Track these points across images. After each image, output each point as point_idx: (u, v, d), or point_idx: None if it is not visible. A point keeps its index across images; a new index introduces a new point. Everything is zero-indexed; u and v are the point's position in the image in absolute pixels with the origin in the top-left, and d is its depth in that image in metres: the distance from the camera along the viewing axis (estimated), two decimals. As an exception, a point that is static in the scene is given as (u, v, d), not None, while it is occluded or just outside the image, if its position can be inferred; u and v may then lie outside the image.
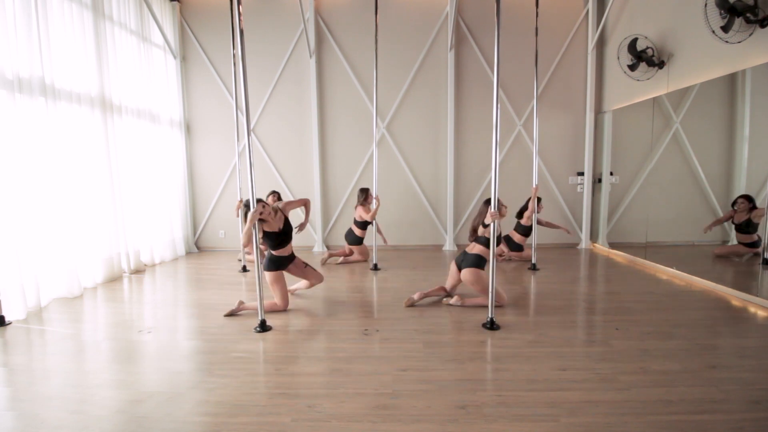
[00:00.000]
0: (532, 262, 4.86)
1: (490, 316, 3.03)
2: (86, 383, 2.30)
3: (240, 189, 4.86)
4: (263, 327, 3.02)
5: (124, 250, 4.75)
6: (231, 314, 3.35)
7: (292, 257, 3.55)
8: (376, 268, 4.92)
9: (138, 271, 4.93)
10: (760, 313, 3.31)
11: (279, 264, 3.44)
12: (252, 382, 2.29)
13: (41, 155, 3.63)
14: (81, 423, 1.92)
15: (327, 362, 2.52)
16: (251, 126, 6.00)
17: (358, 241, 5.27)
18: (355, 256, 5.33)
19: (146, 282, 4.54)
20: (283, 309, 3.43)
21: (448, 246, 6.16)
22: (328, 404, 2.05)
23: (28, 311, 3.35)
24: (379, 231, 5.16)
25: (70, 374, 2.40)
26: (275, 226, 3.35)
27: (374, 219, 4.96)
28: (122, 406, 2.06)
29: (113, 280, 4.51)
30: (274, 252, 3.43)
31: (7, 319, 3.18)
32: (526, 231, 5.09)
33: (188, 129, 6.21)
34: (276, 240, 3.39)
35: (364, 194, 5.17)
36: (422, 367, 2.44)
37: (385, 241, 5.40)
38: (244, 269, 4.95)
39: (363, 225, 5.20)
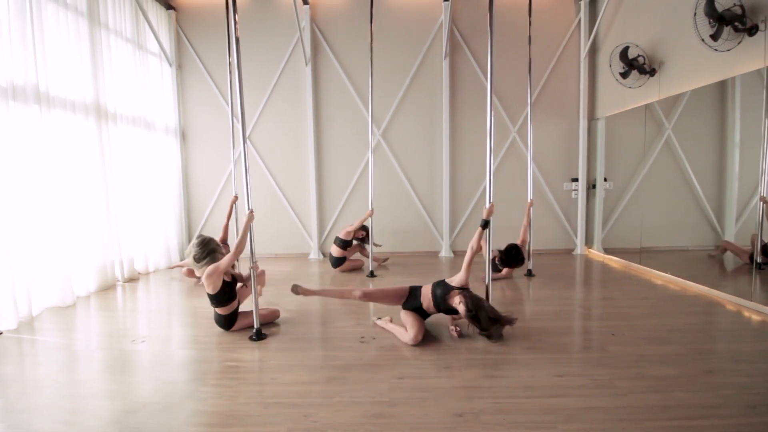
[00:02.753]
0: (528, 268, 4.87)
1: (486, 322, 3.03)
2: (79, 393, 2.26)
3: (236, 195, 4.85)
4: (258, 335, 2.99)
5: (118, 258, 4.71)
6: None
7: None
8: (372, 274, 4.91)
9: (132, 279, 4.89)
10: (755, 317, 3.33)
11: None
12: (247, 392, 2.26)
13: (35, 163, 3.60)
14: (72, 435, 1.89)
15: (323, 371, 2.49)
16: (247, 133, 6.00)
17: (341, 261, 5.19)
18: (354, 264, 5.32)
19: (140, 290, 4.50)
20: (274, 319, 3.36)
21: (444, 252, 6.17)
22: (324, 413, 2.03)
23: (19, 321, 3.30)
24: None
25: (63, 384, 2.37)
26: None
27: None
28: (115, 416, 2.03)
29: (107, 288, 4.46)
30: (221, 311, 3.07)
31: (-3, 329, 3.13)
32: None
33: (183, 136, 6.20)
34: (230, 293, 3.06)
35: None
36: (419, 375, 2.42)
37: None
38: (240, 277, 4.92)
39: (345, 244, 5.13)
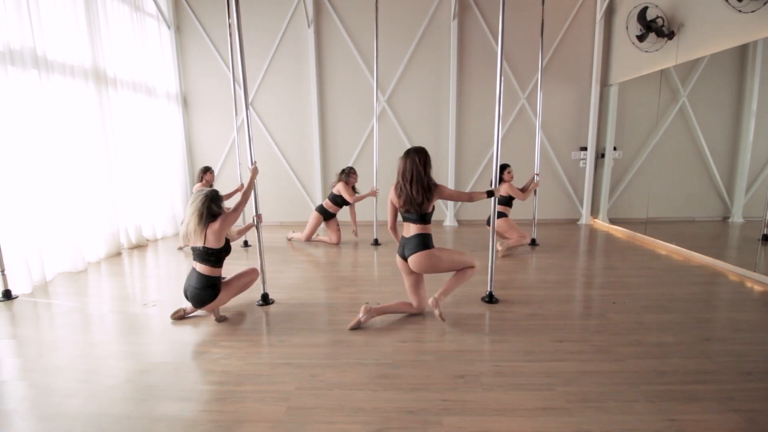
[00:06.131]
0: (532, 237, 4.87)
1: (489, 289, 3.08)
2: (94, 354, 2.36)
3: (240, 164, 4.83)
4: (266, 300, 3.07)
5: (127, 225, 4.78)
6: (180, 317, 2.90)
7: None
8: (376, 243, 4.95)
9: (140, 245, 4.97)
10: (757, 288, 3.35)
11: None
12: (256, 353, 2.34)
13: (41, 129, 3.58)
14: (91, 392, 1.98)
15: (329, 334, 2.57)
16: (249, 99, 5.89)
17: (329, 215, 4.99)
18: (329, 238, 5.01)
19: (149, 256, 4.58)
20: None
21: (449, 221, 6.17)
22: (331, 373, 2.10)
23: (33, 285, 3.40)
24: (353, 218, 5.10)
25: (78, 346, 2.46)
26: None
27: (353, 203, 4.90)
28: (130, 375, 2.12)
29: (116, 254, 4.55)
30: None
31: (13, 293, 3.23)
32: (506, 200, 4.48)
33: (185, 102, 6.11)
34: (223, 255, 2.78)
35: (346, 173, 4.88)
36: (422, 339, 2.49)
37: (356, 232, 5.15)
38: (246, 244, 4.98)
39: (337, 201, 4.93)
